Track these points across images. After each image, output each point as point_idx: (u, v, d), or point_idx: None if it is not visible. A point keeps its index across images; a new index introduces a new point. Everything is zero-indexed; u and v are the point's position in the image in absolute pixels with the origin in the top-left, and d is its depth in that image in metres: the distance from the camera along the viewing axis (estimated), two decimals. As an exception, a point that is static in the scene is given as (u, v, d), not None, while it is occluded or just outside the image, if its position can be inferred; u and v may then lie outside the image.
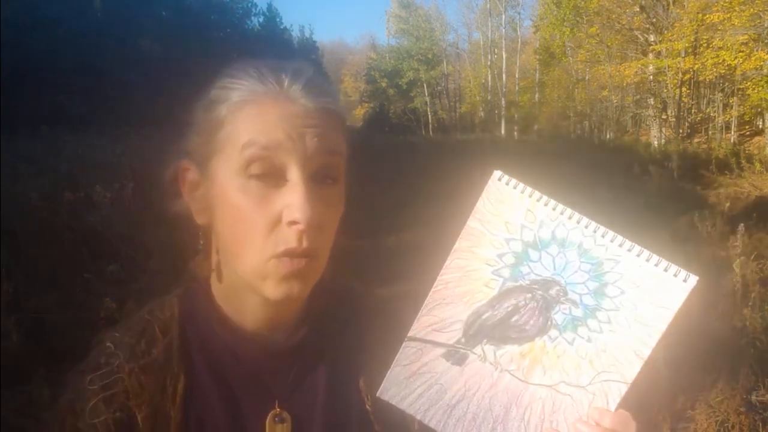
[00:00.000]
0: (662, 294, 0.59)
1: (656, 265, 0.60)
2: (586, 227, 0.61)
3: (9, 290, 3.84)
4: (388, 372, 0.66)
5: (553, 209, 0.62)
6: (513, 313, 0.63)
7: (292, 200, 0.59)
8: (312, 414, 0.68)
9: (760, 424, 2.93)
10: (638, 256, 0.60)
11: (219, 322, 0.67)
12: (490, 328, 0.64)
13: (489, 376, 0.64)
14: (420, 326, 0.65)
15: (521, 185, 0.63)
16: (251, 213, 0.60)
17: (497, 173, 0.64)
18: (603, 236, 0.61)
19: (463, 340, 0.64)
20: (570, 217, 0.62)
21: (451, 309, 0.64)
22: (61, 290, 4.39)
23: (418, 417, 0.65)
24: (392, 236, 7.26)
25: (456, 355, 0.64)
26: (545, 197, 0.62)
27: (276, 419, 0.66)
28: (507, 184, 0.63)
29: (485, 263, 0.64)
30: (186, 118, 0.67)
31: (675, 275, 0.59)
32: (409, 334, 0.65)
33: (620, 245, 0.61)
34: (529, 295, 0.63)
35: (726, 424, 2.91)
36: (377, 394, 0.66)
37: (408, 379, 0.65)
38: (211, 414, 0.65)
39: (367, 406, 0.70)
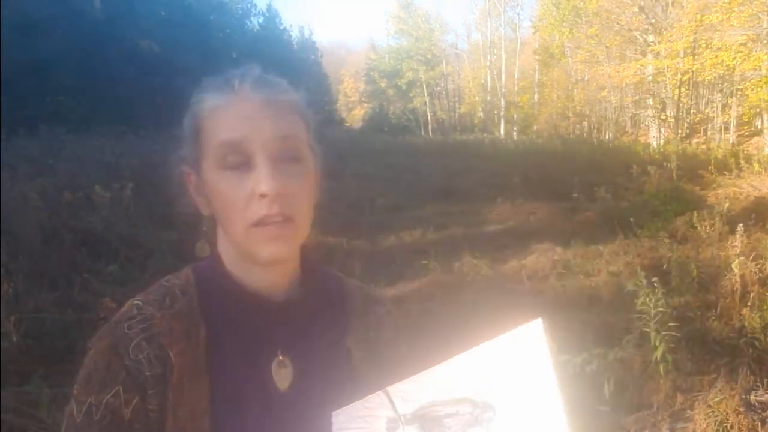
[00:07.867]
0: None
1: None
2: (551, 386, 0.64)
3: (9, 290, 3.84)
4: (354, 402, 0.74)
5: (546, 366, 0.64)
6: (450, 416, 0.68)
7: (258, 178, 0.72)
8: (311, 363, 0.81)
9: (759, 424, 2.94)
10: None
11: (230, 285, 0.81)
12: (429, 419, 0.70)
13: None
14: (398, 387, 0.72)
15: (547, 346, 0.65)
16: (231, 195, 0.74)
17: (541, 324, 0.66)
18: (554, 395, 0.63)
19: (408, 415, 0.71)
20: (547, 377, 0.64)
21: (422, 391, 0.71)
22: (61, 290, 4.39)
23: None
24: (392, 236, 7.27)
25: (394, 425, 0.71)
26: (552, 359, 0.64)
27: (279, 365, 0.79)
28: (539, 337, 0.66)
29: (467, 375, 0.69)
30: (178, 131, 0.81)
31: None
32: (387, 387, 0.73)
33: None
34: (470, 409, 0.68)
35: (725, 424, 2.91)
36: (333, 412, 0.75)
37: (356, 418, 0.73)
38: (229, 358, 0.78)
39: (353, 363, 0.84)
